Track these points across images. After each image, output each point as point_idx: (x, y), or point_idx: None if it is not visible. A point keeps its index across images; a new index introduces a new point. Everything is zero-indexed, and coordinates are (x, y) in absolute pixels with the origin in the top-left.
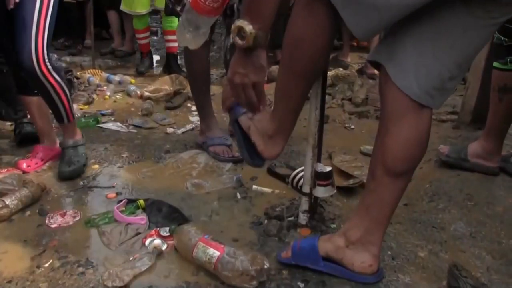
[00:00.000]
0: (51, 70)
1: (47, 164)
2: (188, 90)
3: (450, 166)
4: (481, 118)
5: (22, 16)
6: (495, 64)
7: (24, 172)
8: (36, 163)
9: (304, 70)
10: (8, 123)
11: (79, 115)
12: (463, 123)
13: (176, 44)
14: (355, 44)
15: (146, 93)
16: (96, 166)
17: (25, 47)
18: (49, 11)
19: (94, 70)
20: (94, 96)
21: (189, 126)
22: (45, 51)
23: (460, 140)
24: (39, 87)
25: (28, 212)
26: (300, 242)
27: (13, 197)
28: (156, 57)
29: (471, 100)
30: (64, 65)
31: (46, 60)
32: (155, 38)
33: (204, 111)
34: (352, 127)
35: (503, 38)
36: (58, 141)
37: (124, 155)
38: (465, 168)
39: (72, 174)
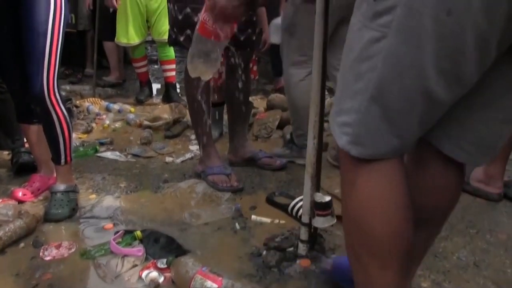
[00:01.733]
0: (59, 101)
1: (43, 194)
2: (187, 118)
3: None
4: None
5: (34, 46)
6: None
7: (19, 202)
8: (33, 192)
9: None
10: (6, 152)
11: (77, 144)
12: None
13: (173, 74)
14: None
15: (146, 122)
16: (93, 196)
17: (38, 77)
18: (59, 42)
19: (93, 98)
20: (93, 125)
21: (188, 155)
22: (56, 82)
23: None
24: (46, 117)
25: (22, 244)
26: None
27: (7, 229)
28: (156, 86)
29: None
30: (63, 93)
31: (56, 90)
32: (156, 67)
33: (203, 140)
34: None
35: None
36: (55, 170)
37: (122, 185)
38: (466, 191)
39: (58, 218)
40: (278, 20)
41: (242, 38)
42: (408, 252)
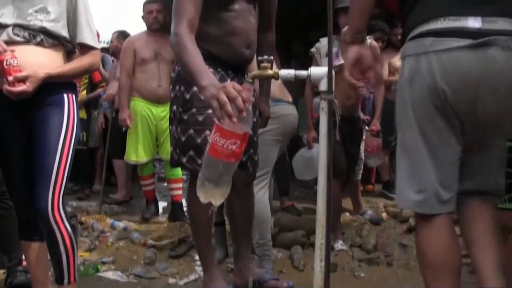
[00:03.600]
0: (64, 218)
1: None
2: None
3: None
4: None
5: (43, 163)
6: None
7: None
8: None
9: None
10: (1, 271)
11: (78, 262)
12: None
13: (180, 192)
14: (361, 188)
15: (150, 241)
16: None
17: (43, 194)
18: (68, 160)
19: (99, 216)
20: (97, 242)
21: (192, 277)
22: (61, 199)
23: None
24: (49, 234)
25: None
26: None
27: None
28: (163, 204)
29: None
30: (69, 209)
31: (61, 208)
32: (164, 184)
33: (207, 261)
34: (362, 275)
35: None
36: None
37: None
38: None
39: None
40: (303, 152)
41: (244, 159)
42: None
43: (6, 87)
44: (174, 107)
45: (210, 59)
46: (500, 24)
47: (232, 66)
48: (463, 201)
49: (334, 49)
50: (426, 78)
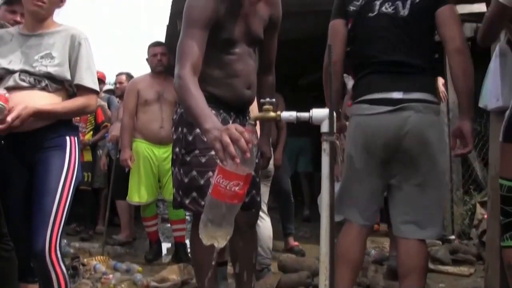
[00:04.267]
0: (60, 259)
1: None
2: None
3: None
4: None
5: (42, 204)
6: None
7: None
8: None
9: None
10: None
11: None
12: None
13: (183, 233)
14: None
15: (153, 283)
16: None
17: (40, 235)
18: (67, 202)
19: (101, 257)
20: (99, 285)
21: None
22: (59, 240)
23: None
24: (44, 274)
25: None
26: None
27: None
28: (166, 245)
29: (494, 282)
30: (72, 251)
31: (57, 248)
32: (167, 225)
33: None
34: None
35: (501, 217)
36: None
37: None
38: None
39: None
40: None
41: (246, 200)
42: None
43: None
44: (177, 149)
45: (213, 100)
46: (415, 95)
47: (234, 107)
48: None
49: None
50: (363, 131)
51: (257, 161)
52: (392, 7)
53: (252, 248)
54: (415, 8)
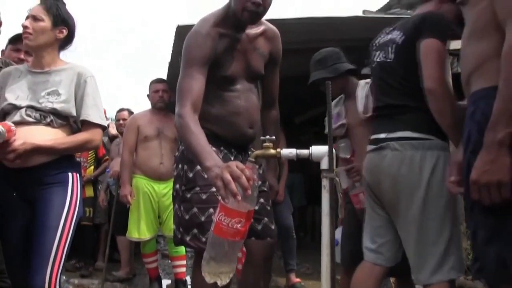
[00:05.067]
0: None
1: None
2: None
3: None
4: None
5: (42, 240)
6: None
7: None
8: None
9: None
10: None
11: None
12: None
13: (184, 270)
14: None
15: None
16: None
17: (40, 272)
18: (68, 238)
19: None
20: None
21: None
22: (59, 277)
23: None
24: None
25: None
26: None
27: None
28: (166, 282)
29: None
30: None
31: (57, 286)
32: (167, 261)
33: None
34: None
35: None
36: None
37: None
38: None
39: None
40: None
41: (259, 228)
42: None
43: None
44: (177, 186)
45: (213, 138)
46: (397, 134)
47: (235, 145)
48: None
49: (336, 110)
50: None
51: (265, 189)
52: (383, 54)
53: (265, 283)
54: (399, 50)
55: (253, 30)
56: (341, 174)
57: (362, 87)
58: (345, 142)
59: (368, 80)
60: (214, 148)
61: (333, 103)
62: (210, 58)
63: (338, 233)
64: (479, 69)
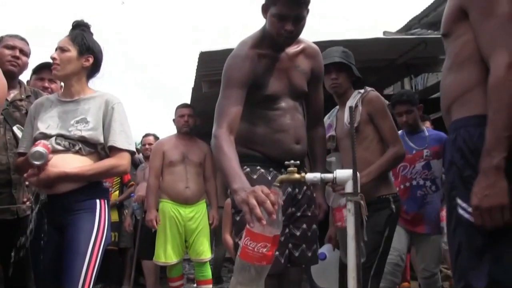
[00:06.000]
0: None
1: None
2: None
3: None
4: None
5: (72, 265)
6: None
7: None
8: None
9: None
10: None
11: None
12: None
13: None
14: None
15: None
16: None
17: None
18: (97, 263)
19: None
20: None
21: None
22: None
23: None
24: None
25: None
26: None
27: None
28: None
29: None
30: None
31: None
32: (193, 286)
33: None
34: None
35: None
36: None
37: None
38: None
39: None
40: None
41: (296, 254)
42: None
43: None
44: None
45: (261, 159)
46: None
47: (283, 164)
48: None
49: (328, 121)
50: None
51: (309, 214)
52: None
53: None
54: None
55: (292, 49)
56: (329, 193)
57: (353, 97)
58: (336, 156)
59: (361, 90)
60: (262, 170)
61: (327, 116)
62: (249, 80)
63: (324, 249)
64: (460, 99)
